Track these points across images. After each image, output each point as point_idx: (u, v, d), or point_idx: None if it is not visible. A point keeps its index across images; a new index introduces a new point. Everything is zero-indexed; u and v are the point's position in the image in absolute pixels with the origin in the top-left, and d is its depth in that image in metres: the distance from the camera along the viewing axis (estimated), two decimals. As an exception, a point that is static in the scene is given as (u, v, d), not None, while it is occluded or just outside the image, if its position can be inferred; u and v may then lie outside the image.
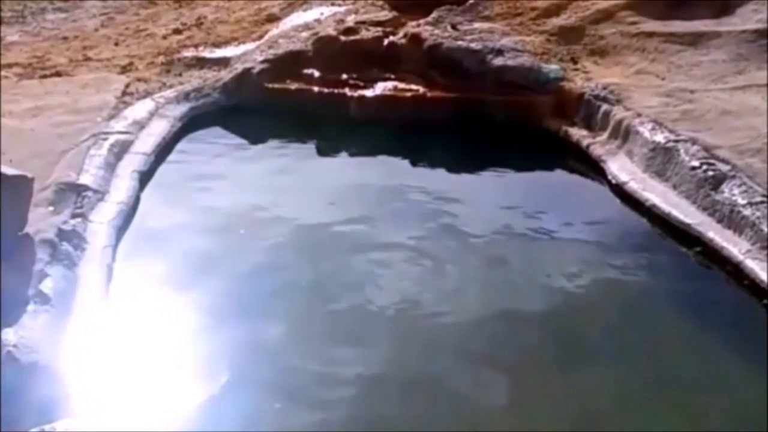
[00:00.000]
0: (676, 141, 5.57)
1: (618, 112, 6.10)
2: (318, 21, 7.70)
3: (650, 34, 7.10)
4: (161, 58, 7.49)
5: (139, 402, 3.86)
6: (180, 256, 5.01)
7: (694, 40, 7.01)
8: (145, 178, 5.78)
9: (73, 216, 4.94)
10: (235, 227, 5.34)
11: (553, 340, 4.40)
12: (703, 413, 3.92)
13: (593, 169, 5.99)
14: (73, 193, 5.14)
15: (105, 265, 4.71)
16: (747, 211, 4.88)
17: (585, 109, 6.36)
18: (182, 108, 6.66)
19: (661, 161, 5.56)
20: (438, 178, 6.03)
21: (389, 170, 6.15)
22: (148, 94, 6.75)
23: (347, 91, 6.76)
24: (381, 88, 6.79)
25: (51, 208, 4.91)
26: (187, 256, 5.02)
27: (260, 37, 7.75)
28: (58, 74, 7.27)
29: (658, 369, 4.17)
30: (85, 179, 5.32)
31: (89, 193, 5.22)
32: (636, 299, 4.74)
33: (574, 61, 6.91)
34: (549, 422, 3.84)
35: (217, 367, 4.08)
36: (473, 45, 6.92)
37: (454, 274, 4.91)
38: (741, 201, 4.96)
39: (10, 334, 3.81)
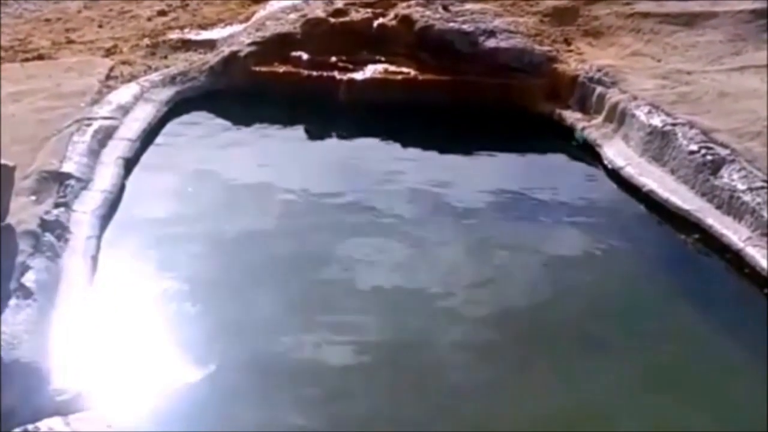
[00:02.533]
0: (674, 124, 5.46)
1: (613, 95, 5.99)
2: (306, 2, 7.53)
3: (645, 15, 7.01)
4: (146, 41, 7.34)
5: (122, 399, 3.76)
6: (166, 246, 4.89)
7: (690, 20, 6.92)
8: (130, 164, 5.63)
9: (56, 205, 4.81)
10: (221, 214, 5.22)
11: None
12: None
13: (588, 153, 5.88)
14: (55, 182, 5.00)
15: (89, 257, 4.59)
16: (747, 197, 4.79)
17: (579, 92, 6.26)
18: (168, 92, 6.51)
19: (658, 145, 5.46)
20: (427, 163, 5.92)
21: (379, 153, 6.07)
22: (132, 77, 6.61)
23: (336, 74, 6.63)
24: (371, 70, 6.67)
25: (33, 198, 4.78)
26: (173, 245, 4.90)
27: (247, 18, 7.59)
28: (40, 57, 7.11)
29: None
30: (68, 167, 5.18)
31: (72, 182, 5.08)
32: (635, 287, 4.66)
33: (568, 42, 6.81)
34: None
35: (202, 361, 3.98)
36: (465, 26, 6.81)
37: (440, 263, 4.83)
38: (741, 186, 4.87)
39: (-9, 331, 3.68)
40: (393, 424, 3.68)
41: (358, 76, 6.61)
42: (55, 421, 3.50)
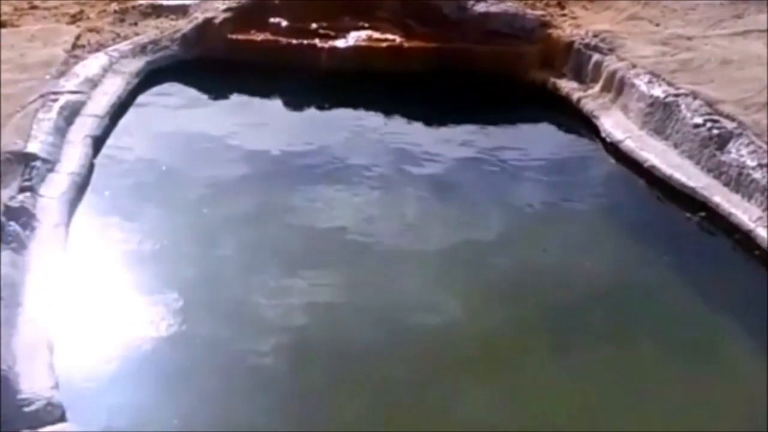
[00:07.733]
0: (676, 95, 5.23)
1: (611, 63, 5.76)
2: (284, -36, 7.20)
3: (641, -26, 6.75)
4: (114, 6, 6.98)
5: (99, 409, 3.53)
6: (141, 233, 4.60)
7: (689, -20, 6.67)
8: (99, 142, 5.33)
9: (21, 190, 4.51)
10: (200, 198, 4.93)
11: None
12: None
13: (585, 125, 5.65)
14: (20, 164, 4.70)
15: (58, 247, 4.29)
16: (757, 174, 4.57)
17: (574, 60, 6.02)
18: (138, 63, 6.18)
19: (660, 117, 5.23)
20: (412, 136, 5.66)
21: (363, 125, 5.82)
22: (100, 46, 6.28)
23: (317, 41, 6.37)
24: (354, 38, 6.41)
25: (-4, 181, 4.51)
26: (148, 232, 4.61)
27: (222, -18, 7.26)
28: (1, 25, 6.76)
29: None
30: (33, 147, 4.86)
31: (38, 163, 4.76)
32: (637, 269, 4.43)
33: (562, 5, 6.60)
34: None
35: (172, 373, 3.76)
36: (453, -11, 6.54)
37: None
38: (750, 162, 4.64)
39: (-48, 338, 3.41)
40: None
41: (340, 43, 6.35)
42: (27, 435, 3.25)
